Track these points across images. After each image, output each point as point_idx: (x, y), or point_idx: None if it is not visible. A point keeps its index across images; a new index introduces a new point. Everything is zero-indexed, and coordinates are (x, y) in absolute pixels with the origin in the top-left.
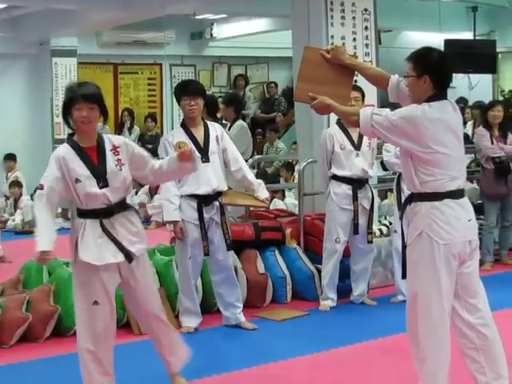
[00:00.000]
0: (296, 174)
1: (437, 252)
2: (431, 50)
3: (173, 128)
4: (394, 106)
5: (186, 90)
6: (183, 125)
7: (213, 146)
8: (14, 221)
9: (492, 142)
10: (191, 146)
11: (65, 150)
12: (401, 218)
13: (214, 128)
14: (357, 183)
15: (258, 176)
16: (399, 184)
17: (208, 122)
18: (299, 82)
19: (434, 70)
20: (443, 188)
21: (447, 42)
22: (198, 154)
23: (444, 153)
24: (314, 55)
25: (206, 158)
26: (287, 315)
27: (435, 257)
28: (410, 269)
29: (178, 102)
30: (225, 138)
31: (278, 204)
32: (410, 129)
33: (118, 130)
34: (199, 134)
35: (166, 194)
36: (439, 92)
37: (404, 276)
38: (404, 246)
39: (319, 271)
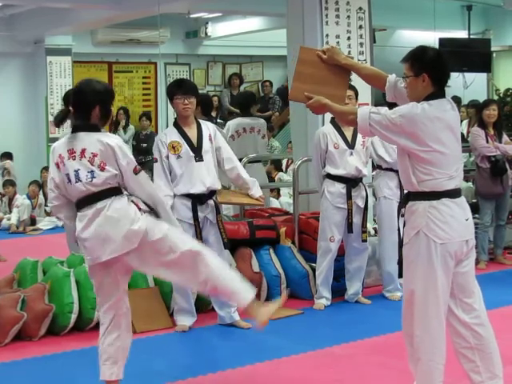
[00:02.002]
0: (291, 173)
1: (434, 251)
2: (427, 49)
3: (167, 126)
4: (390, 105)
5: (179, 89)
6: (176, 124)
7: (206, 144)
8: (9, 220)
9: (487, 141)
10: (185, 145)
11: None
12: (399, 217)
13: (207, 127)
14: (351, 182)
15: None
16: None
17: (201, 121)
18: (294, 82)
19: (432, 68)
20: (441, 187)
21: (442, 41)
22: (191, 154)
23: (442, 151)
24: (309, 55)
25: (199, 157)
26: (282, 314)
27: (432, 256)
28: (406, 268)
29: (171, 100)
30: (218, 137)
31: (272, 203)
32: (410, 127)
33: (113, 128)
34: (192, 133)
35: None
36: (438, 90)
37: (400, 275)
38: (400, 245)
39: (314, 270)
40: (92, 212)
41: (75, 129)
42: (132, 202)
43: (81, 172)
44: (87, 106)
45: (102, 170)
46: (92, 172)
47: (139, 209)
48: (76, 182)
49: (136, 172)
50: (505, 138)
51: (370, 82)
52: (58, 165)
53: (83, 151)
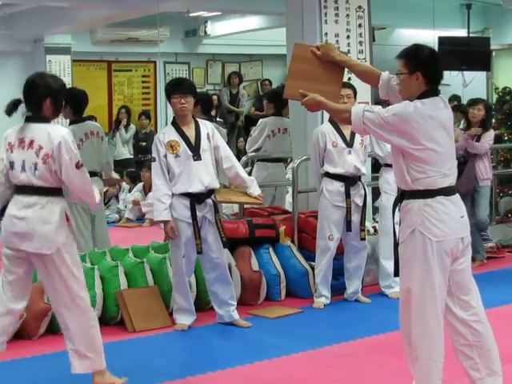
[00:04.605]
0: (290, 172)
1: (429, 249)
2: (422, 47)
3: (167, 125)
4: (388, 104)
5: (176, 88)
6: (174, 123)
7: (204, 143)
8: None
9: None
10: (183, 144)
11: None
12: (394, 216)
13: (205, 126)
14: (349, 180)
15: (252, 174)
16: None
17: (199, 120)
18: (289, 79)
19: (426, 67)
20: (435, 185)
21: (441, 40)
22: (189, 153)
23: (436, 150)
24: (304, 52)
25: (197, 155)
26: (281, 313)
27: (428, 254)
28: (403, 266)
29: (169, 99)
30: (216, 136)
31: None
32: (402, 126)
33: (114, 127)
34: (190, 132)
35: (157, 194)
36: (431, 88)
37: (396, 274)
38: (396, 244)
39: (313, 269)
40: (27, 201)
41: (27, 119)
42: (65, 213)
43: (26, 162)
44: (38, 98)
45: (44, 162)
46: (36, 164)
47: (69, 220)
48: (21, 172)
49: (78, 167)
50: (485, 137)
51: (363, 79)
52: (6, 151)
53: (31, 142)
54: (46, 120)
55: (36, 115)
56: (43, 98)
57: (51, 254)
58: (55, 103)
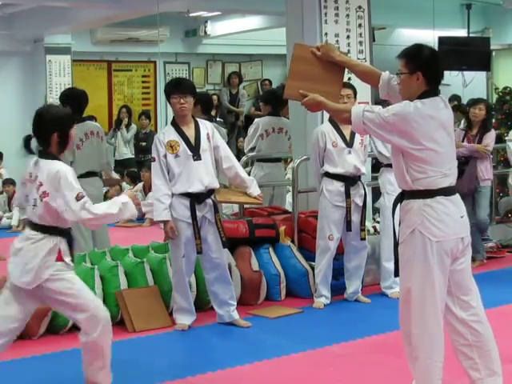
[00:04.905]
0: (290, 172)
1: (429, 249)
2: (423, 47)
3: (167, 125)
4: (388, 104)
5: (175, 88)
6: (174, 123)
7: (204, 143)
8: (9, 219)
9: (463, 142)
10: (182, 144)
11: None
12: (394, 215)
13: (205, 126)
14: (349, 180)
15: (250, 174)
16: None
17: (198, 120)
18: (289, 80)
19: (426, 67)
20: (435, 185)
21: (441, 40)
22: (189, 153)
23: (435, 150)
24: (304, 52)
25: (197, 155)
26: (281, 313)
27: (428, 254)
28: (402, 267)
29: (168, 99)
30: (216, 136)
31: None
32: (402, 125)
33: (115, 127)
34: (190, 132)
35: (156, 194)
36: (431, 88)
37: (396, 274)
38: (396, 244)
39: (313, 269)
40: (26, 235)
41: (39, 154)
42: (59, 249)
43: (30, 197)
44: (45, 133)
45: (41, 200)
46: (35, 200)
47: (61, 259)
48: (28, 206)
49: (78, 198)
50: (487, 138)
51: (363, 79)
52: (21, 184)
53: (36, 178)
54: (53, 157)
55: (44, 150)
56: (50, 132)
57: (34, 289)
58: (62, 137)
